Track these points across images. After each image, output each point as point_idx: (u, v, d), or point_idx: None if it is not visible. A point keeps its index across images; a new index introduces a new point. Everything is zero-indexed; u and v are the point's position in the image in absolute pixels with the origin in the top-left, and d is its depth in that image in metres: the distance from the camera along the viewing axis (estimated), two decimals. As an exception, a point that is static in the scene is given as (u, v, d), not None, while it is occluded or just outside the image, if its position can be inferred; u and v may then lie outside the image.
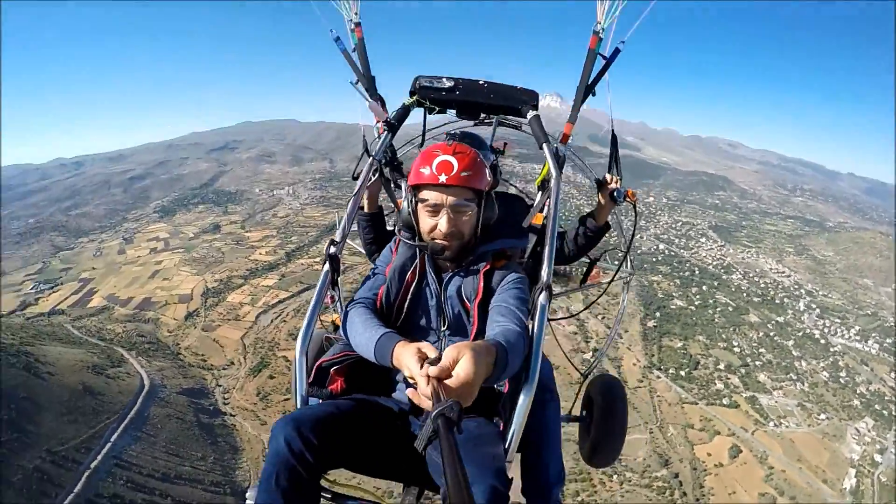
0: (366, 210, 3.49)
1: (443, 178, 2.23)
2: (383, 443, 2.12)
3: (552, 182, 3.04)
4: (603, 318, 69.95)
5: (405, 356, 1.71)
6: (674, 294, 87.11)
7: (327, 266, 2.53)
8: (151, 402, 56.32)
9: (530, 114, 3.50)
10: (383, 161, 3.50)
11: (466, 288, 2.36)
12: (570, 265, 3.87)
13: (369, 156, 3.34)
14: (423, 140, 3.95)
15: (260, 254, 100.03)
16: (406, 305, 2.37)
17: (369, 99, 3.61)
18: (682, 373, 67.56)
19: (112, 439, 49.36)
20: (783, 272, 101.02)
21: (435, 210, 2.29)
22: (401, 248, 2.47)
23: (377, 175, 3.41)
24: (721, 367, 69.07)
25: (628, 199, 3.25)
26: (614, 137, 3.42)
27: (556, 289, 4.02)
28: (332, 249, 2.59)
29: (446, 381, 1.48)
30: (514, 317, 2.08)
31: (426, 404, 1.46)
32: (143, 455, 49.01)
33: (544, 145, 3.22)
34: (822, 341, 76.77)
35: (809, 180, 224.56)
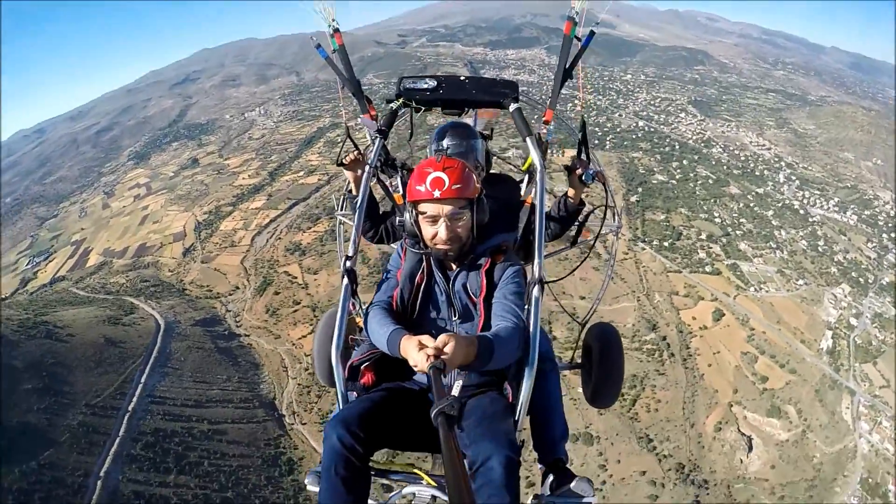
0: (354, 193, 3.63)
1: (437, 194, 2.52)
2: (411, 421, 2.46)
3: (537, 175, 3.29)
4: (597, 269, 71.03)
5: (409, 348, 2.15)
6: (655, 169, 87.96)
7: (346, 280, 2.86)
8: (170, 339, 58.55)
9: (512, 106, 3.72)
10: (378, 165, 3.83)
11: (471, 284, 2.70)
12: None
13: (353, 143, 3.61)
14: (412, 135, 4.33)
15: (243, 178, 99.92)
16: (419, 303, 2.72)
17: (361, 117, 3.91)
18: (666, 244, 69.66)
19: (142, 380, 52.10)
20: (763, 145, 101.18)
21: (433, 220, 2.59)
22: (408, 254, 2.79)
23: (375, 178, 3.71)
24: (703, 237, 71.04)
25: (598, 180, 3.42)
26: (584, 123, 3.52)
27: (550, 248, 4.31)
28: (349, 264, 2.93)
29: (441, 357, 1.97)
30: (511, 313, 2.50)
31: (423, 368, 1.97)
32: (174, 388, 51.97)
33: (528, 139, 3.45)
34: (802, 212, 78.12)
35: (792, 54, 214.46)
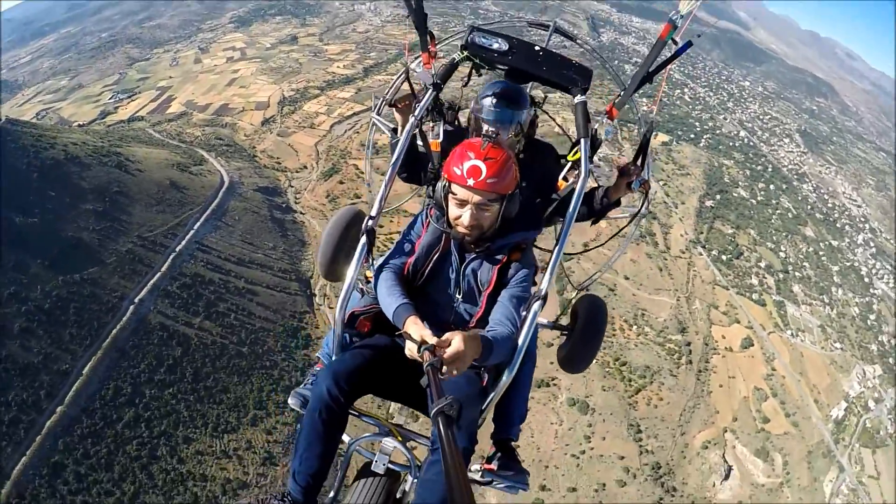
0: (396, 136, 3.55)
1: (470, 182, 2.50)
2: (397, 377, 2.69)
3: (578, 183, 3.02)
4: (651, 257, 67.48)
5: (411, 334, 2.26)
6: (740, 183, 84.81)
7: (364, 239, 2.81)
8: (230, 197, 60.93)
9: (578, 98, 3.40)
10: (425, 116, 3.52)
11: (482, 275, 2.75)
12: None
13: (410, 87, 3.58)
14: (467, 84, 3.99)
15: (337, 66, 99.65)
16: (428, 274, 2.82)
17: (416, 70, 3.57)
18: (724, 258, 68.15)
19: (195, 227, 54.78)
20: (856, 201, 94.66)
21: (461, 203, 2.59)
22: (430, 227, 2.83)
23: (416, 128, 3.40)
24: (762, 265, 68.93)
25: (641, 190, 3.37)
26: (650, 128, 3.44)
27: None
28: (370, 224, 2.86)
29: (443, 355, 2.03)
30: (510, 319, 2.56)
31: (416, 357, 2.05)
32: (221, 242, 54.46)
33: (583, 140, 3.18)
34: (866, 280, 73.99)
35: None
